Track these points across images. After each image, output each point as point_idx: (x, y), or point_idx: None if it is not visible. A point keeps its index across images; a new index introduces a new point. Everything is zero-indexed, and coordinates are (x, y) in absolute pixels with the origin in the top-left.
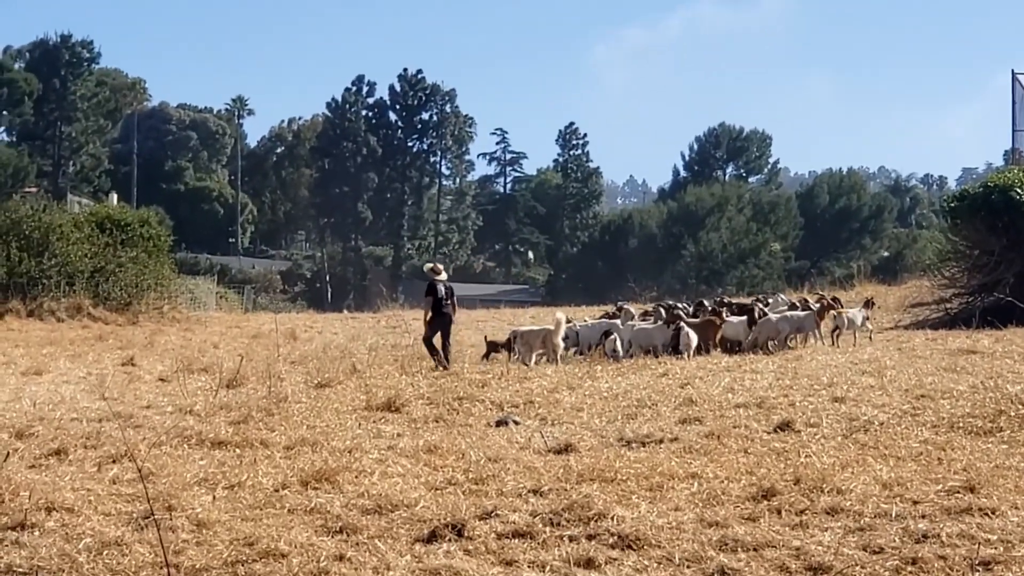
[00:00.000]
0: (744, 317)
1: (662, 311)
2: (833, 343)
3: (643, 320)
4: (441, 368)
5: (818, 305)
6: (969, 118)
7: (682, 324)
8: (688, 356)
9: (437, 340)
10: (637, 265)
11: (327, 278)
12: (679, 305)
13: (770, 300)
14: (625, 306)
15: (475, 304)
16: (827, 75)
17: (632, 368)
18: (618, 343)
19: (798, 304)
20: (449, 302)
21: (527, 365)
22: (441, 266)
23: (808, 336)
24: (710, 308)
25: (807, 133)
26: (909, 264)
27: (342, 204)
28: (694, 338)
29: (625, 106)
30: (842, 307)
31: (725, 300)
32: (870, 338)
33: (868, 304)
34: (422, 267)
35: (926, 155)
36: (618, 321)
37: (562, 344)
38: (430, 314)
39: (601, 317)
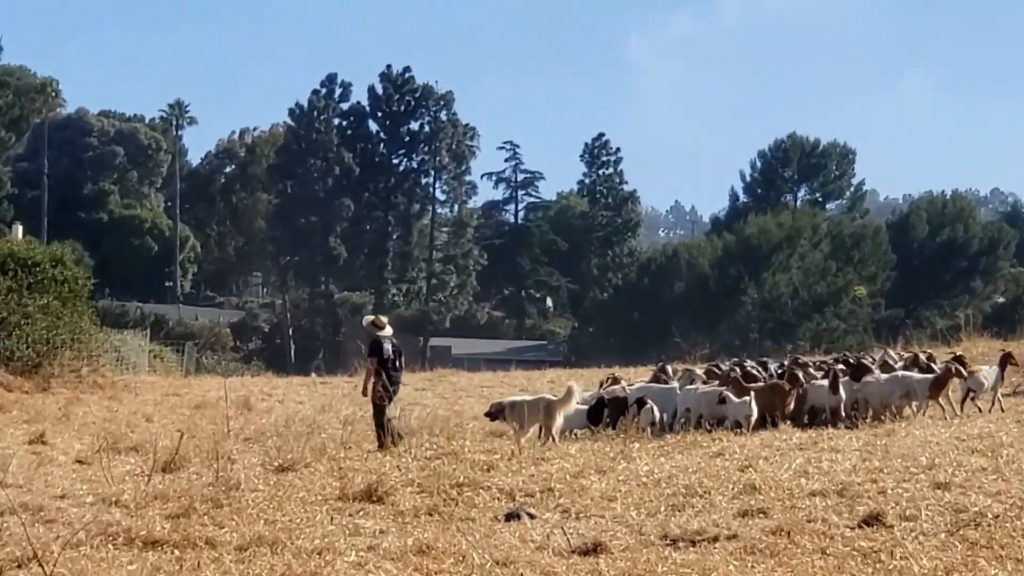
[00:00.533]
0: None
1: (725, 370)
2: (959, 411)
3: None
4: (383, 448)
5: (943, 367)
6: None
7: (726, 390)
8: (747, 429)
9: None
10: (684, 315)
11: (290, 332)
12: (747, 363)
13: (871, 358)
14: (670, 367)
15: (479, 365)
16: (926, 75)
17: (678, 446)
18: (656, 413)
19: (902, 361)
20: (398, 363)
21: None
22: (385, 318)
23: (921, 404)
24: (785, 369)
25: (901, 147)
26: None
27: (309, 238)
28: (754, 408)
29: (669, 114)
30: (965, 367)
31: (800, 360)
32: (1001, 408)
33: (1007, 360)
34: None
35: None
36: (665, 385)
37: (561, 420)
38: (373, 379)
39: (650, 380)
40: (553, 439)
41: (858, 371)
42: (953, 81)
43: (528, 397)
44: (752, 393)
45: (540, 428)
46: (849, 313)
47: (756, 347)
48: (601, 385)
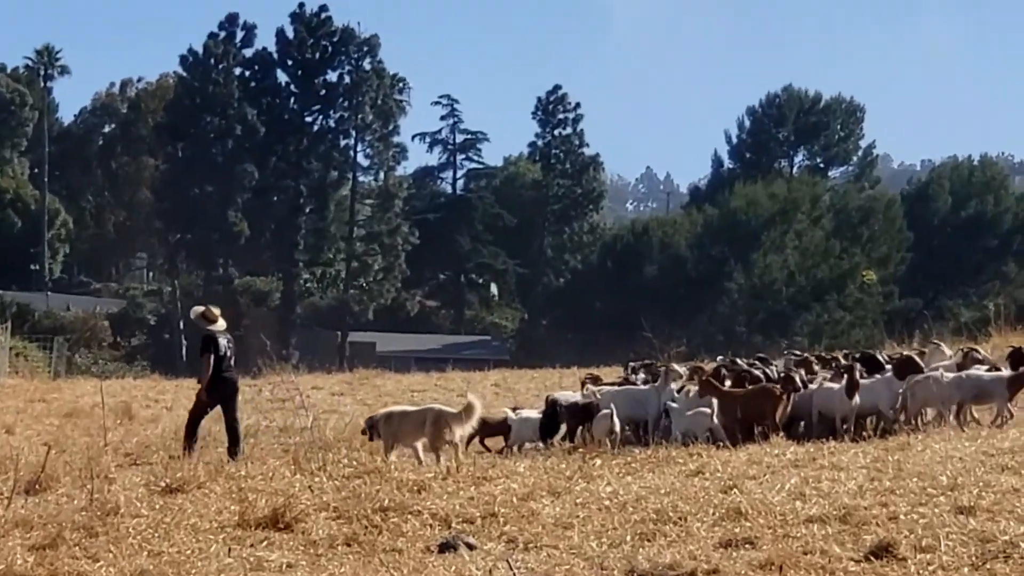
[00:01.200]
0: (842, 380)
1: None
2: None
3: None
4: (188, 453)
5: (1011, 367)
6: None
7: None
8: (700, 441)
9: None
10: (657, 304)
11: (180, 326)
12: (737, 362)
13: (922, 351)
14: (638, 365)
15: (408, 365)
16: (949, 16)
17: (648, 463)
18: (616, 422)
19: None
20: (233, 360)
21: (414, 461)
22: (217, 310)
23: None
24: (783, 369)
25: (918, 103)
26: None
27: (204, 212)
28: (711, 420)
29: (639, 63)
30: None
31: (809, 358)
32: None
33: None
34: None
35: None
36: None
37: (456, 436)
38: (208, 379)
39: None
40: (437, 457)
41: (904, 368)
42: (981, 23)
43: (410, 408)
44: (716, 400)
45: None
46: (856, 303)
47: (744, 343)
48: (583, 386)
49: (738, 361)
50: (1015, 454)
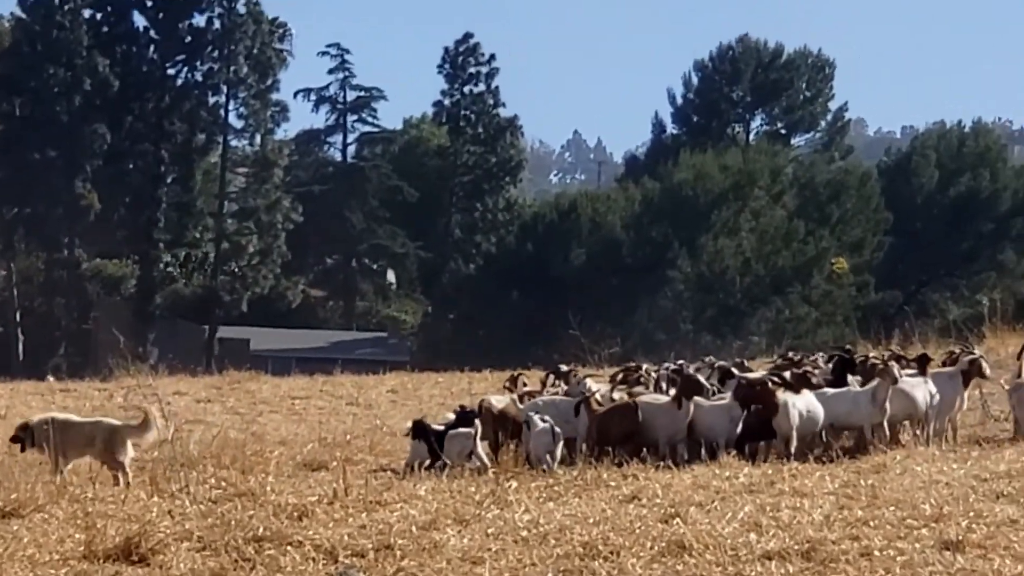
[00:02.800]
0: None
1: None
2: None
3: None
4: None
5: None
6: None
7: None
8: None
9: None
10: (586, 296)
11: (17, 317)
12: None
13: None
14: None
15: (289, 366)
16: None
17: (575, 486)
18: (556, 436)
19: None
20: None
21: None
22: None
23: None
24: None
25: (900, 60)
26: None
27: (46, 181)
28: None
29: (566, 8)
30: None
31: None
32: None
33: None
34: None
35: None
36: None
37: (130, 453)
38: None
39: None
40: (121, 477)
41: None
42: None
43: (77, 418)
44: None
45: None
46: (824, 296)
47: (690, 343)
48: (509, 390)
49: (684, 365)
50: (1012, 479)
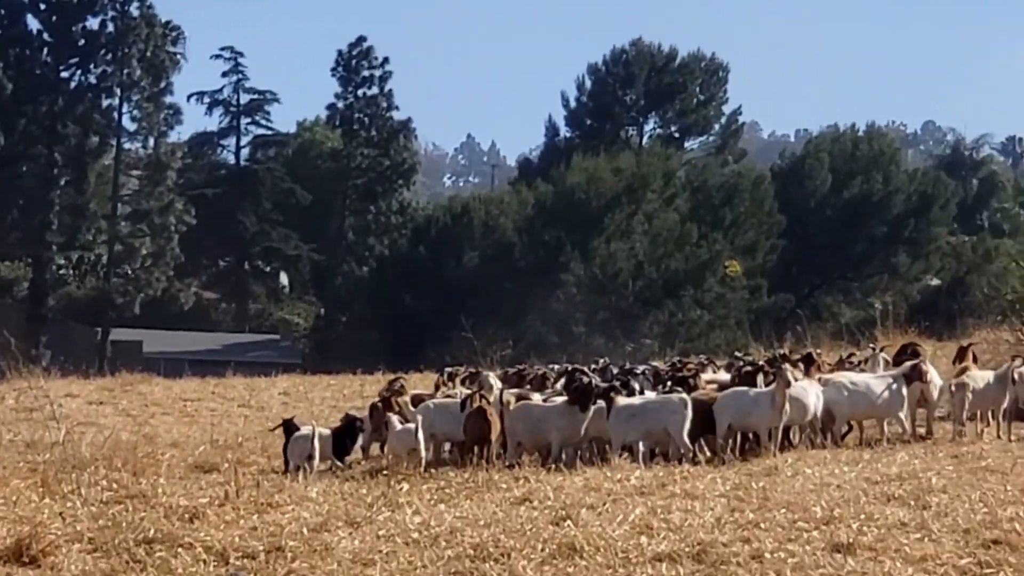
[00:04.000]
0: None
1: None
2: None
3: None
4: None
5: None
6: None
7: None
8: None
9: None
10: (478, 299)
11: None
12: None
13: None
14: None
15: (181, 368)
16: None
17: (466, 488)
18: (420, 437)
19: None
20: None
21: None
22: None
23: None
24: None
25: (793, 63)
26: (976, 301)
27: None
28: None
29: (460, 12)
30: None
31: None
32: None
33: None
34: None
35: (1010, 104)
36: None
37: None
38: None
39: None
40: None
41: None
42: None
43: None
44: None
45: None
46: (717, 299)
47: (582, 346)
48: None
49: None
50: (903, 481)
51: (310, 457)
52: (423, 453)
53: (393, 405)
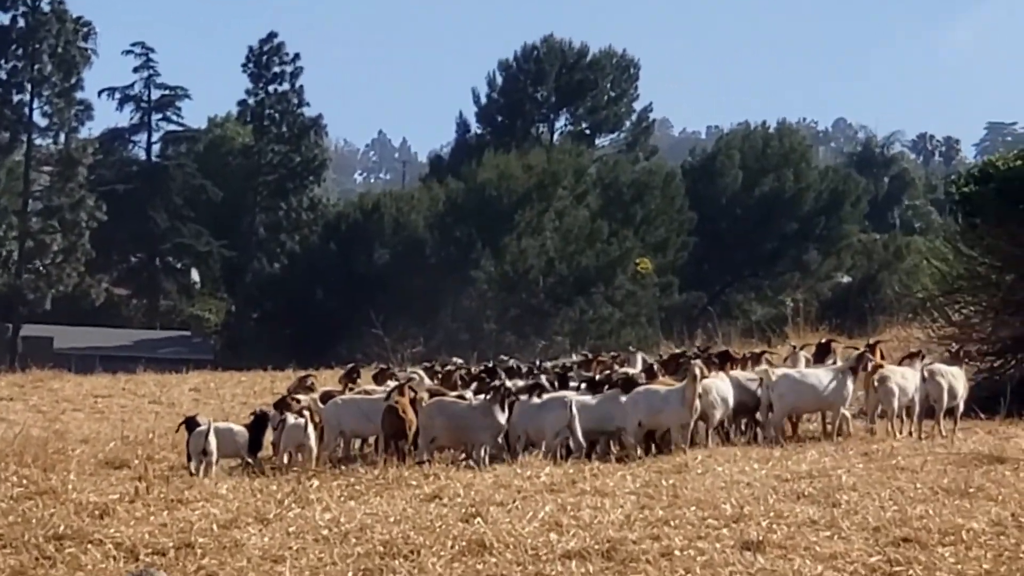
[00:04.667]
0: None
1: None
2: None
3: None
4: None
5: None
6: (997, 36)
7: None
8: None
9: None
10: (389, 296)
11: None
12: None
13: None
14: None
15: (93, 365)
16: None
17: (376, 485)
18: (309, 434)
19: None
20: None
21: None
22: None
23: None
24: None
25: (703, 60)
26: (887, 299)
27: None
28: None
29: (370, 7)
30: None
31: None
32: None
33: (958, 357)
34: None
35: (919, 102)
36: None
37: None
38: None
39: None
40: None
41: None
42: None
43: None
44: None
45: None
46: (627, 297)
47: (493, 342)
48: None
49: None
50: (813, 479)
51: (204, 452)
52: (313, 448)
53: (290, 403)
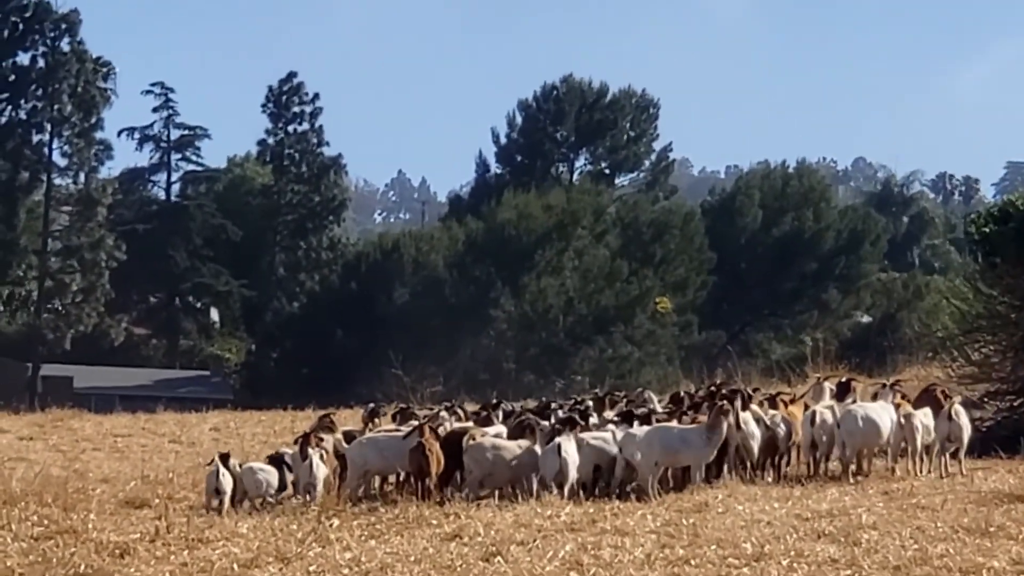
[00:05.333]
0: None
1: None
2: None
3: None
4: None
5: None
6: (1017, 74)
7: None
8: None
9: None
10: (408, 335)
11: None
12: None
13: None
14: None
15: (112, 404)
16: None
17: (396, 523)
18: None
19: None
20: None
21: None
22: None
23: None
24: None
25: (723, 99)
26: (906, 338)
27: None
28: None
29: (389, 47)
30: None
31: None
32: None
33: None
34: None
35: (939, 141)
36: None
37: None
38: None
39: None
40: None
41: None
42: (800, 5)
43: None
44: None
45: None
46: (647, 336)
47: (512, 382)
48: (309, 436)
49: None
50: (834, 518)
51: (218, 491)
52: (319, 487)
53: (313, 442)
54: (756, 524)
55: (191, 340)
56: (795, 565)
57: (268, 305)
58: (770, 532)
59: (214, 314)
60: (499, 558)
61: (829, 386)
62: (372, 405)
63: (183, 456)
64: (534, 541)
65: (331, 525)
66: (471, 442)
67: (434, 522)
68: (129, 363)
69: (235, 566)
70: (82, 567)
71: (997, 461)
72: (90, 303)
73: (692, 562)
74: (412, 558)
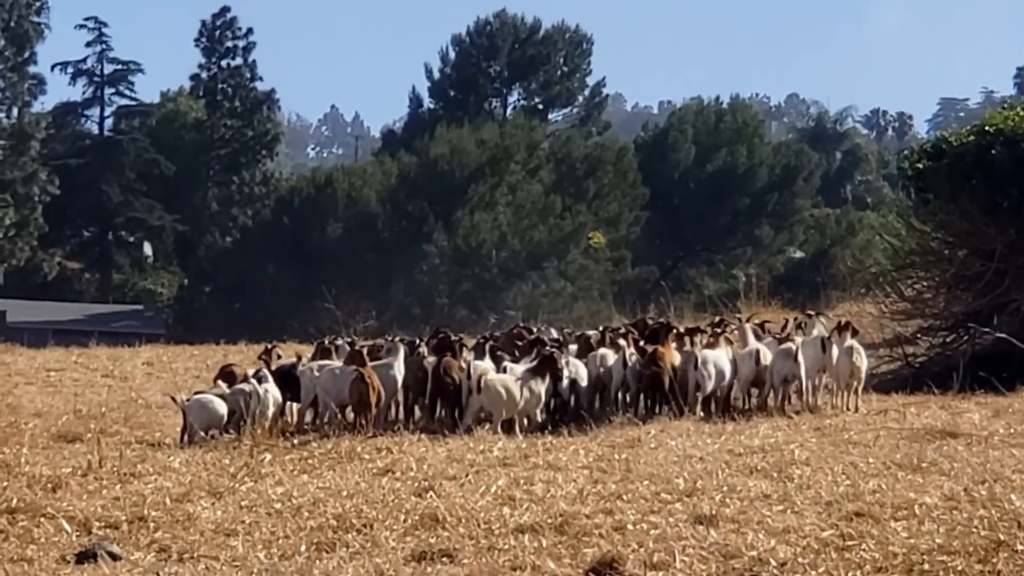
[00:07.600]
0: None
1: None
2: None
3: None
4: None
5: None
6: (951, 12)
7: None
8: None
9: None
10: (341, 270)
11: None
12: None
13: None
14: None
15: (45, 338)
16: None
17: (328, 458)
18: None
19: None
20: None
21: None
22: None
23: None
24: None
25: (657, 35)
26: (840, 273)
27: None
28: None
29: None
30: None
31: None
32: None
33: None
34: None
35: (872, 78)
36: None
37: None
38: None
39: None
40: None
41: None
42: None
43: None
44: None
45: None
46: (580, 271)
47: (445, 317)
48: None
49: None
50: (766, 453)
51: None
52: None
53: (235, 373)
54: (688, 459)
55: (124, 274)
56: (727, 500)
57: (201, 240)
58: (702, 467)
59: (147, 248)
60: (431, 493)
61: (821, 320)
62: (268, 345)
63: (116, 391)
64: (467, 476)
65: (264, 460)
66: (487, 378)
67: (366, 457)
68: (62, 297)
69: (167, 500)
70: (14, 501)
71: (930, 397)
72: (23, 237)
73: (624, 497)
74: (344, 493)
